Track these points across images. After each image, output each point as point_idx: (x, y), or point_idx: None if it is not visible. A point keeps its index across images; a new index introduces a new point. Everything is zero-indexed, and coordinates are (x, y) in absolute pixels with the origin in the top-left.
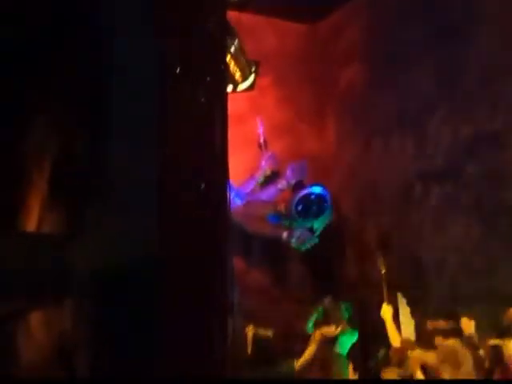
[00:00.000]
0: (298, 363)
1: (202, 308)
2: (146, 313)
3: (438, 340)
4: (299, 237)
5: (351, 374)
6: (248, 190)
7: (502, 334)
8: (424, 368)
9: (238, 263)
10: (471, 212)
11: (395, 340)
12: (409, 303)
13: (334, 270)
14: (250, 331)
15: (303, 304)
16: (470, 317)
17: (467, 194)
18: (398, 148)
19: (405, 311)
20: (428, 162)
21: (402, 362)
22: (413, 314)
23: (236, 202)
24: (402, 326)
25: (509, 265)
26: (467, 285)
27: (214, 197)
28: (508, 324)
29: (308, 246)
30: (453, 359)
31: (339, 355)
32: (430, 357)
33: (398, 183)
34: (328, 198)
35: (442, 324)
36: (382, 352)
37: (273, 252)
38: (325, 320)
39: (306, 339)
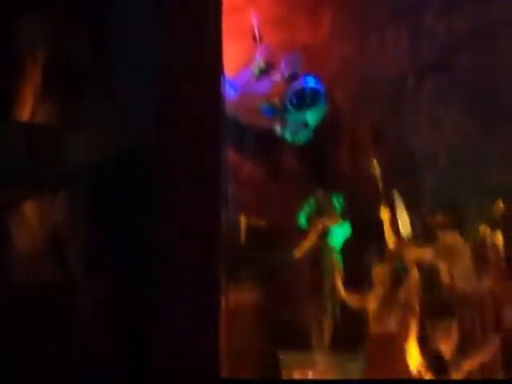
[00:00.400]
0: (298, 252)
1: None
2: (140, 208)
3: (437, 234)
4: (293, 129)
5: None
6: (242, 82)
7: (492, 226)
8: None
9: (231, 155)
10: (463, 106)
11: (391, 242)
12: (403, 197)
13: (328, 163)
14: (242, 221)
15: (296, 196)
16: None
17: (460, 88)
18: (393, 41)
19: (401, 208)
20: (422, 54)
21: (398, 261)
22: (408, 208)
23: (230, 93)
24: (400, 223)
25: (497, 159)
26: (459, 178)
27: (207, 89)
28: (497, 216)
29: (301, 138)
30: (449, 254)
31: (332, 248)
32: (426, 253)
33: (393, 76)
34: (322, 90)
35: (440, 218)
36: (375, 247)
37: (266, 144)
38: (316, 212)
39: (299, 231)
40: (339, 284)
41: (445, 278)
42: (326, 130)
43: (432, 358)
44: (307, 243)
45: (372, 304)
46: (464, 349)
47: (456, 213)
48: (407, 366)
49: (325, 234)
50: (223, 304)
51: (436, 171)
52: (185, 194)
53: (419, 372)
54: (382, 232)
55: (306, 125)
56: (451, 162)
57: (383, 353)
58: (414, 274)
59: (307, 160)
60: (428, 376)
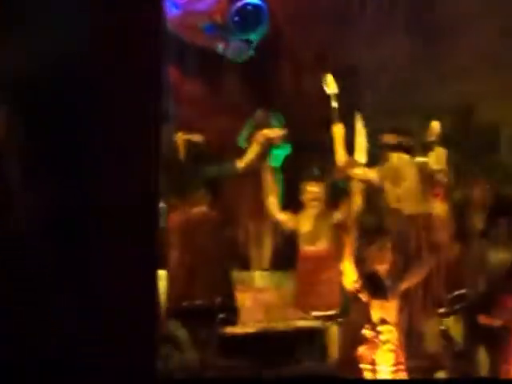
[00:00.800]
0: (242, 163)
1: None
2: (78, 118)
3: (386, 155)
4: (235, 48)
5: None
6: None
7: (425, 148)
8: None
9: (172, 73)
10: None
11: (341, 158)
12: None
13: (270, 83)
14: (179, 138)
15: (237, 116)
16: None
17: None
18: None
19: (361, 131)
20: None
21: (345, 178)
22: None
23: (172, 11)
24: (357, 146)
25: (432, 82)
26: (398, 99)
27: (148, 5)
28: (430, 138)
29: (244, 57)
30: (395, 175)
31: (272, 168)
32: (372, 173)
33: None
34: (265, 9)
35: (392, 138)
36: (312, 168)
37: (208, 63)
38: (254, 132)
39: (239, 150)
40: (273, 204)
41: (391, 199)
42: (267, 49)
43: (368, 277)
44: (250, 155)
45: (305, 223)
46: (401, 269)
47: (402, 133)
48: (338, 285)
49: (265, 154)
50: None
51: (377, 91)
52: (123, 109)
53: (356, 290)
54: (324, 152)
55: (248, 43)
56: (390, 82)
57: (314, 271)
58: (357, 194)
59: (249, 79)
60: (364, 294)
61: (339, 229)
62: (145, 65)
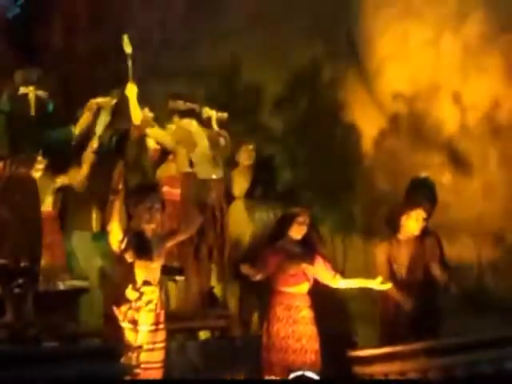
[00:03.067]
0: (76, 130)
1: None
2: None
3: (175, 120)
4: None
5: None
6: None
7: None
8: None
9: None
10: None
11: (137, 118)
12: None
13: (38, 41)
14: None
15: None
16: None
17: None
18: None
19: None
20: None
21: (140, 138)
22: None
23: None
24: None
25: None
26: (170, 61)
27: None
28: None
29: (9, 15)
30: (187, 139)
31: None
32: (166, 137)
33: None
34: None
35: (180, 104)
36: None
37: None
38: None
39: None
40: None
41: (183, 163)
42: (36, 6)
43: (134, 237)
44: (83, 122)
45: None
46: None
47: (188, 99)
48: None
49: None
50: None
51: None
52: None
53: (121, 251)
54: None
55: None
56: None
57: None
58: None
59: (16, 36)
60: (129, 254)
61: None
62: None
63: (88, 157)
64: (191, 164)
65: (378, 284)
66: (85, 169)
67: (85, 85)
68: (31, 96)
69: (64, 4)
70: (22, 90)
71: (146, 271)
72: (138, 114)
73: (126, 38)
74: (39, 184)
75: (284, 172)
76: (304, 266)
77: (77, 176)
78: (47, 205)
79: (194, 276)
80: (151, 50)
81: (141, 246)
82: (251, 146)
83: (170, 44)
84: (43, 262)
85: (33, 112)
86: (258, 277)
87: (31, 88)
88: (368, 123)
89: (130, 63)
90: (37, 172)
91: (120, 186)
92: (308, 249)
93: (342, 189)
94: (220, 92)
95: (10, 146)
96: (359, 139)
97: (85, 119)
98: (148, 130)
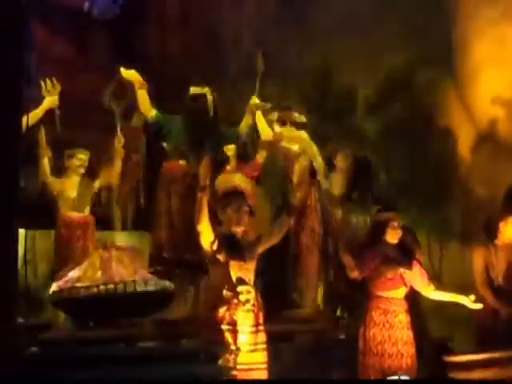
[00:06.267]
0: (242, 130)
1: None
2: None
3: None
4: (100, 6)
5: None
6: None
7: None
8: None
9: (36, 31)
10: None
11: (266, 133)
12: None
13: (135, 42)
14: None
15: (103, 75)
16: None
17: None
18: None
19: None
20: None
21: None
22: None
23: None
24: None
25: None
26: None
27: None
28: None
29: (109, 16)
30: (308, 150)
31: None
32: (292, 145)
33: None
34: None
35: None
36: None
37: (74, 22)
38: (117, 91)
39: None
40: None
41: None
42: (133, 8)
43: (225, 238)
44: (246, 121)
45: (70, 189)
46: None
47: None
48: None
49: None
50: None
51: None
52: None
53: (213, 251)
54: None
55: (114, 1)
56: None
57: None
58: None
59: (114, 38)
60: (222, 255)
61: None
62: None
63: (119, 152)
64: None
65: (470, 302)
66: (118, 165)
67: (174, 84)
68: (209, 97)
69: (156, 5)
70: (198, 90)
71: (240, 271)
72: (266, 129)
73: (260, 57)
74: (79, 190)
75: (380, 176)
76: (401, 270)
77: (111, 174)
78: (87, 210)
79: None
80: (242, 49)
81: (232, 246)
82: (348, 151)
83: (260, 44)
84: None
85: (211, 112)
86: (355, 274)
87: (207, 89)
88: (464, 127)
89: (258, 82)
90: None
91: (207, 182)
92: (405, 253)
93: (439, 193)
94: (312, 94)
95: (191, 144)
96: (455, 143)
97: (247, 120)
98: (281, 144)
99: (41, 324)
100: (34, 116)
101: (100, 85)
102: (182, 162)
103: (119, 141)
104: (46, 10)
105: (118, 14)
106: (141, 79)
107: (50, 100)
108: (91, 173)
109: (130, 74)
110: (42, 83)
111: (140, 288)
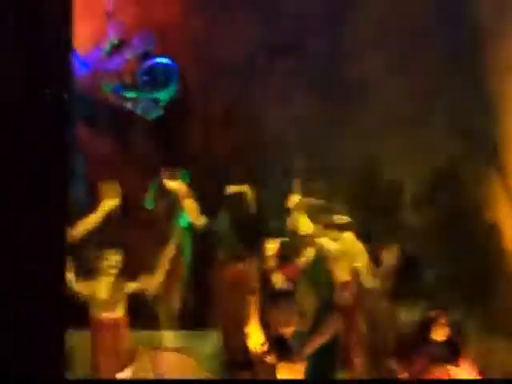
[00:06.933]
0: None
1: None
2: None
3: (334, 233)
4: (144, 107)
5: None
6: (94, 59)
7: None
8: None
9: (81, 132)
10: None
11: (308, 227)
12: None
13: (179, 142)
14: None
15: (146, 174)
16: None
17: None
18: (244, 21)
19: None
20: (273, 34)
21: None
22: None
23: (82, 70)
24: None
25: (341, 143)
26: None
27: (57, 65)
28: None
29: (153, 116)
30: (351, 250)
31: (181, 228)
32: (333, 245)
33: (244, 56)
34: (174, 68)
35: (335, 219)
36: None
37: (117, 122)
38: (160, 193)
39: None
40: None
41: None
42: (177, 108)
43: (274, 341)
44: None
45: (101, 291)
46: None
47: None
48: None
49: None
50: None
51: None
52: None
53: (263, 353)
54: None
55: (157, 102)
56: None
57: (111, 338)
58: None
59: (158, 139)
60: (271, 357)
61: (247, 292)
62: (52, 127)
63: (164, 263)
64: None
65: None
66: (160, 275)
67: (220, 182)
68: (249, 193)
69: (201, 106)
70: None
71: (290, 373)
72: (309, 225)
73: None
74: (112, 290)
75: (427, 271)
76: (449, 367)
77: (151, 283)
78: (120, 311)
79: None
80: (286, 150)
81: (282, 348)
82: (395, 247)
83: (305, 146)
84: None
85: (253, 208)
86: (402, 376)
87: (246, 186)
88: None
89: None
90: None
91: (257, 285)
92: (452, 350)
93: (486, 289)
94: (361, 191)
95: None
96: (501, 239)
97: (297, 217)
98: (319, 239)
99: None
100: (93, 219)
101: (142, 184)
102: (239, 266)
103: (170, 252)
104: (90, 109)
105: (161, 114)
106: (185, 189)
107: (109, 203)
108: (127, 273)
109: (173, 185)
110: (102, 186)
111: None
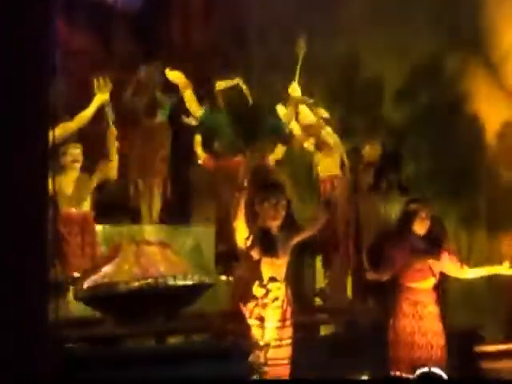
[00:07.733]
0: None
1: None
2: None
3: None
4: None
5: None
6: None
7: None
8: None
9: (60, 27)
10: None
11: (310, 119)
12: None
13: (159, 34)
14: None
15: (126, 68)
16: None
17: None
18: None
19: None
20: None
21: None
22: None
23: None
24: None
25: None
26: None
27: None
28: None
29: (132, 7)
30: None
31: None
32: (332, 138)
33: None
34: None
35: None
36: None
37: (97, 14)
38: (137, 90)
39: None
40: None
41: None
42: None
43: (260, 234)
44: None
45: (67, 186)
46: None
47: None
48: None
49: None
50: None
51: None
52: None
53: (247, 248)
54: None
55: None
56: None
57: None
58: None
59: (138, 30)
60: (255, 251)
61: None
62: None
63: (113, 144)
64: None
65: (506, 269)
66: (114, 158)
67: (199, 79)
68: (243, 86)
69: None
70: (229, 82)
71: (272, 268)
72: (310, 116)
73: (301, 42)
74: (77, 185)
75: (408, 165)
76: (430, 261)
77: (108, 168)
78: (86, 206)
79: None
80: (268, 44)
81: (266, 242)
82: (377, 143)
83: (285, 39)
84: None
85: (249, 101)
86: (386, 276)
87: (237, 79)
88: (493, 113)
89: (299, 65)
90: None
91: (246, 183)
92: (433, 243)
93: (466, 181)
94: (339, 87)
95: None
96: (483, 130)
97: (291, 111)
98: (321, 132)
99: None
100: (85, 114)
101: (122, 78)
102: (239, 158)
103: (112, 133)
104: (69, 3)
105: (141, 6)
106: (185, 80)
107: (102, 98)
108: (90, 168)
109: (174, 75)
110: (95, 81)
111: (180, 282)
